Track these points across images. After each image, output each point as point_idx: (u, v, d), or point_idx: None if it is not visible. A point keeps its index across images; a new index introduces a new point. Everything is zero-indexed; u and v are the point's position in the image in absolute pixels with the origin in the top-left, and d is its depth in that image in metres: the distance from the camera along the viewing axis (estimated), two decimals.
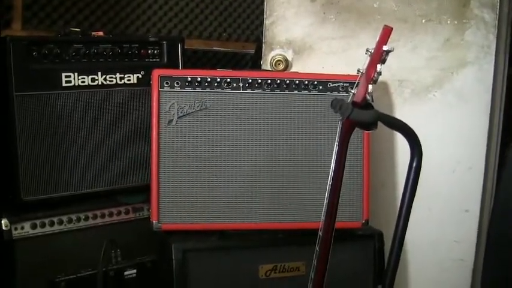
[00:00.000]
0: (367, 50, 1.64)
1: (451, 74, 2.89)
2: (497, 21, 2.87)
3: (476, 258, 2.99)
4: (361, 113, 1.61)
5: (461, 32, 2.87)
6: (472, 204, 2.97)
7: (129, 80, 2.68)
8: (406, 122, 1.70)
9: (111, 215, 2.66)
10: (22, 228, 2.46)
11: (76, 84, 2.56)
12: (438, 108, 2.91)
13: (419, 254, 2.98)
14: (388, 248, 1.76)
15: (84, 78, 2.58)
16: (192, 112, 2.40)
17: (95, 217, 2.62)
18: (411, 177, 1.69)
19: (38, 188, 2.52)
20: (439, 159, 2.87)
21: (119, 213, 2.69)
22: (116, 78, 2.65)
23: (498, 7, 2.86)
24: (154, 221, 2.38)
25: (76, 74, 2.56)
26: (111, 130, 2.66)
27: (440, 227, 2.98)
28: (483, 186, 2.97)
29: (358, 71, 1.67)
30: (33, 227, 2.48)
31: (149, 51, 2.75)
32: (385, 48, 1.59)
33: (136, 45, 2.73)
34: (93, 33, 2.73)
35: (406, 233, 1.73)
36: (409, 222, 1.73)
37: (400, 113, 2.88)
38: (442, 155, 2.90)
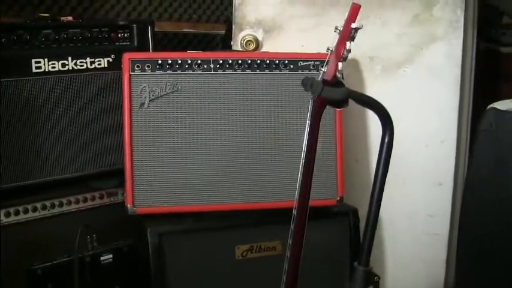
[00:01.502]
0: (336, 28, 1.64)
1: (421, 49, 2.89)
2: None
3: (451, 231, 3.01)
4: (332, 91, 1.60)
5: (429, 7, 2.87)
6: (446, 177, 2.99)
7: (99, 64, 2.66)
8: (378, 98, 1.69)
9: (85, 200, 2.64)
10: None
11: (46, 70, 2.53)
12: (409, 84, 2.92)
13: (394, 229, 3.00)
14: (363, 225, 1.76)
15: (54, 63, 2.55)
16: (164, 95, 2.39)
17: (69, 203, 2.59)
18: (383, 153, 1.69)
19: (11, 175, 2.49)
20: (411, 134, 2.89)
21: (93, 198, 2.67)
22: (86, 62, 2.62)
23: None
24: (129, 205, 2.37)
25: (46, 59, 2.53)
26: (83, 115, 2.63)
27: (415, 201, 3.00)
28: (456, 160, 2.99)
29: (328, 49, 1.66)
30: (7, 215, 2.45)
31: (119, 35, 2.72)
32: (353, 25, 1.59)
33: (106, 29, 2.69)
34: (62, 18, 2.70)
35: (381, 208, 1.73)
36: (383, 198, 1.73)
37: (372, 90, 2.89)
38: (415, 129, 2.91)
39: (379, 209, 1.73)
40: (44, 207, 2.54)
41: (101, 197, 2.69)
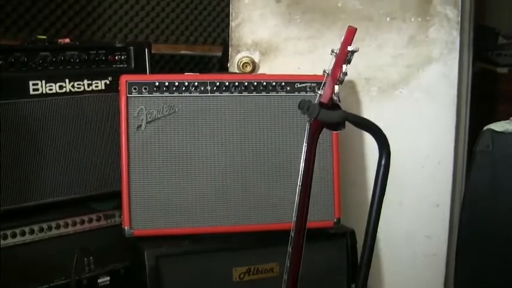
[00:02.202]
0: (332, 51, 1.65)
1: (417, 70, 2.91)
2: (459, 18, 2.89)
3: (449, 252, 3.01)
4: (329, 114, 1.61)
5: (425, 29, 2.89)
6: (443, 198, 2.99)
7: (97, 87, 2.65)
8: (374, 120, 1.70)
9: (82, 222, 2.63)
10: None
11: (44, 92, 2.53)
12: (405, 105, 2.93)
13: (392, 250, 3.00)
14: (361, 246, 1.76)
15: (51, 85, 2.55)
16: (161, 117, 2.39)
17: (66, 225, 2.58)
18: (380, 175, 1.70)
19: (8, 198, 2.49)
20: (408, 155, 2.89)
21: (90, 220, 2.65)
22: (83, 85, 2.62)
23: (460, 3, 2.88)
24: (126, 227, 2.37)
25: (43, 81, 2.53)
26: (80, 137, 2.62)
27: (412, 222, 3.00)
28: (453, 181, 2.99)
29: (324, 71, 1.67)
30: (4, 237, 2.43)
31: (116, 57, 2.72)
32: (349, 48, 1.60)
33: (103, 51, 2.70)
34: (59, 40, 2.70)
35: (378, 229, 1.74)
36: (380, 219, 1.73)
37: (368, 111, 2.90)
38: (411, 150, 2.92)
39: (376, 230, 1.73)
40: (41, 230, 2.53)
41: (98, 219, 2.67)
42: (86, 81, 2.63)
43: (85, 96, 2.62)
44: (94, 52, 2.67)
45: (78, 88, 2.61)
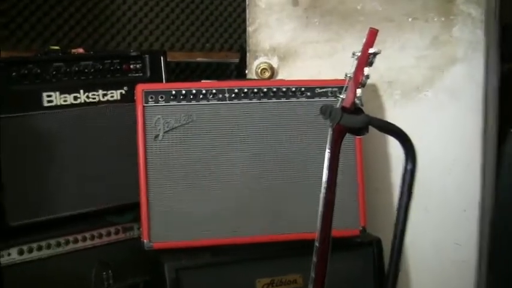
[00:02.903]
0: (353, 54, 1.64)
1: (441, 72, 2.88)
2: (484, 16, 2.87)
3: (479, 259, 2.98)
4: (351, 118, 1.61)
5: (448, 28, 2.87)
6: (471, 203, 2.96)
7: (112, 97, 2.66)
8: (398, 124, 1.70)
9: (100, 236, 2.64)
10: (9, 254, 2.42)
11: (58, 103, 2.54)
12: (430, 108, 2.90)
13: (419, 257, 2.97)
14: (387, 254, 1.75)
15: (66, 97, 2.56)
16: (179, 126, 2.39)
17: (84, 239, 2.59)
18: (406, 180, 1.69)
19: (24, 212, 2.49)
20: (434, 160, 2.87)
21: (109, 233, 2.66)
22: (98, 95, 2.63)
23: (484, 2, 2.86)
24: (145, 240, 2.37)
25: (58, 93, 2.54)
26: (96, 149, 2.63)
27: (440, 228, 2.97)
28: (481, 185, 2.96)
29: (346, 75, 1.66)
30: (20, 252, 2.44)
31: (131, 66, 2.73)
32: (371, 50, 1.59)
33: (118, 60, 2.71)
34: (73, 50, 2.72)
35: (405, 237, 1.73)
36: (407, 226, 1.72)
37: (391, 115, 2.88)
38: (437, 154, 2.89)
39: (403, 238, 1.72)
40: (58, 244, 2.53)
41: (117, 232, 2.68)
42: (101, 92, 2.64)
43: (100, 106, 2.64)
44: (108, 61, 2.69)
45: (93, 99, 2.62)
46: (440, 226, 2.97)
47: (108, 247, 2.66)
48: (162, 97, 2.40)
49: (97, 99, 2.63)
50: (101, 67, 2.66)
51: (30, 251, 2.47)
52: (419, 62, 2.88)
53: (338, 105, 1.68)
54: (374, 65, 1.63)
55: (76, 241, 2.57)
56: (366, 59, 1.61)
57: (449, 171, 2.93)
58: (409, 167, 1.67)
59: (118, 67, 2.71)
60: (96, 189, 2.64)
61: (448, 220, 2.97)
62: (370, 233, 2.55)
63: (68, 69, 2.58)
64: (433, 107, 2.90)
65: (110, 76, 2.69)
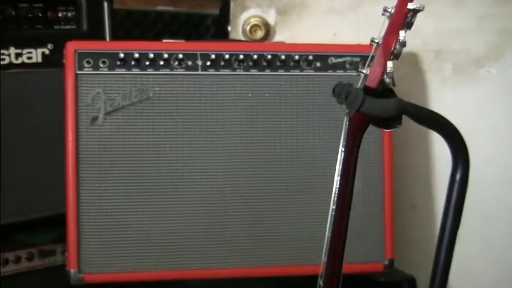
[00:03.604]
0: (385, 10, 1.66)
1: None
2: None
3: None
4: (378, 104, 1.61)
5: None
6: None
7: (29, 58, 2.66)
8: (447, 113, 1.72)
9: (6, 262, 2.65)
10: None
11: None
12: (495, 91, 2.92)
13: None
14: None
15: None
16: (128, 105, 2.41)
17: None
18: (454, 195, 1.71)
19: None
20: (496, 166, 2.89)
21: (18, 259, 2.67)
22: (9, 55, 2.63)
23: None
24: (72, 270, 2.39)
25: None
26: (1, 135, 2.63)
27: (500, 263, 3.00)
28: None
29: (372, 41, 1.68)
30: None
31: (60, 14, 2.72)
32: (411, 6, 1.60)
33: (40, 4, 2.70)
34: None
35: (450, 276, 1.75)
36: (453, 261, 1.75)
37: (437, 99, 2.90)
38: (501, 159, 2.91)
39: (447, 277, 1.75)
40: None
41: (30, 258, 2.69)
42: (13, 50, 2.63)
43: (12, 72, 2.62)
44: (26, 5, 2.67)
45: (1, 60, 2.61)
46: (501, 260, 3.00)
47: (17, 278, 2.67)
48: (104, 62, 2.42)
49: (7, 61, 2.61)
50: (13, 13, 2.65)
51: None
52: (482, 24, 2.91)
53: (359, 84, 1.67)
54: (415, 26, 1.65)
55: None
56: (403, 18, 1.61)
57: None
58: (458, 176, 1.70)
59: (40, 14, 2.70)
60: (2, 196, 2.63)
61: None
62: (400, 270, 2.59)
63: None
64: (498, 89, 2.92)
65: (26, 27, 2.68)
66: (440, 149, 2.84)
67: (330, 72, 2.52)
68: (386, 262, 2.54)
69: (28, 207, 2.68)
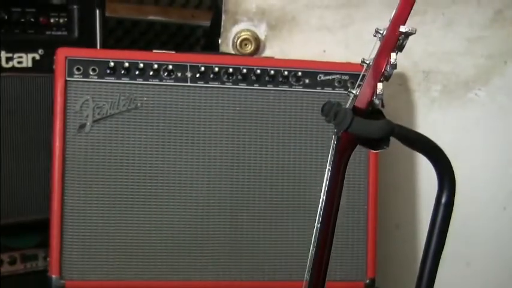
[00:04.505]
0: (376, 31, 1.65)
1: (503, 63, 2.91)
2: None
3: None
4: (366, 125, 1.61)
5: None
6: None
7: (20, 63, 2.66)
8: (433, 134, 1.71)
9: None
10: None
11: None
12: (482, 114, 2.93)
13: None
14: None
15: None
16: (116, 114, 2.41)
17: None
18: (439, 218, 1.71)
19: None
20: (483, 191, 2.89)
21: (0, 263, 2.67)
22: (0, 59, 2.63)
23: None
24: (53, 276, 2.38)
25: None
26: None
27: (485, 287, 3.00)
28: None
29: (363, 61, 1.68)
30: None
31: (52, 20, 2.73)
32: (403, 29, 1.60)
33: (33, 9, 2.71)
34: None
35: None
36: (435, 283, 1.75)
37: (425, 121, 2.90)
38: (489, 184, 2.92)
39: None
40: None
41: (12, 262, 2.69)
42: (3, 54, 2.63)
43: (1, 76, 2.62)
44: (18, 10, 2.67)
45: None
46: (486, 284, 3.00)
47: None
48: (94, 70, 2.42)
49: None
50: (5, 17, 2.65)
51: None
52: (472, 47, 2.91)
53: (348, 103, 1.68)
54: (406, 46, 1.64)
55: None
56: (395, 41, 1.60)
57: (504, 209, 2.96)
58: (443, 200, 1.69)
59: (32, 19, 2.70)
60: None
61: (497, 280, 3.00)
62: None
63: None
64: (486, 112, 2.93)
65: (18, 32, 2.69)
66: (425, 169, 2.85)
67: (319, 89, 2.52)
68: (367, 281, 2.54)
69: (12, 210, 2.67)
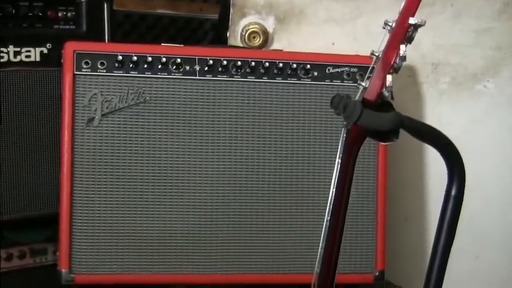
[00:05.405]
0: (386, 23, 1.65)
1: None
2: None
3: None
4: (375, 117, 1.61)
5: None
6: None
7: (28, 57, 2.65)
8: (442, 126, 1.71)
9: None
10: None
11: None
12: (492, 106, 2.92)
13: None
14: None
15: None
16: (124, 107, 2.42)
17: None
18: (448, 211, 1.71)
19: None
20: (492, 184, 2.89)
21: (10, 257, 2.67)
22: (8, 53, 2.62)
23: None
24: (63, 270, 2.39)
25: None
26: None
27: (493, 281, 2.99)
28: None
29: (372, 54, 1.67)
30: None
31: (60, 14, 2.72)
32: (412, 21, 1.60)
33: (40, 3, 2.70)
34: None
35: None
36: (445, 278, 1.75)
37: (435, 114, 2.90)
38: (497, 177, 2.91)
39: None
40: None
41: (22, 256, 2.69)
42: (11, 48, 2.63)
43: (9, 70, 2.61)
44: (26, 4, 2.67)
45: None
46: (495, 281, 2.99)
47: (7, 277, 2.67)
48: (102, 63, 2.42)
49: (5, 59, 2.61)
50: (13, 11, 2.65)
51: None
52: (481, 39, 2.91)
53: (357, 96, 1.68)
54: (414, 39, 1.64)
55: None
56: (404, 33, 1.60)
57: None
58: (453, 193, 1.69)
59: (40, 13, 2.69)
60: None
61: (506, 272, 2.99)
62: (390, 282, 2.59)
63: None
64: (495, 104, 2.92)
65: (26, 26, 2.68)
66: (434, 162, 2.84)
67: (328, 82, 2.51)
68: (377, 273, 2.54)
69: (21, 205, 2.66)
